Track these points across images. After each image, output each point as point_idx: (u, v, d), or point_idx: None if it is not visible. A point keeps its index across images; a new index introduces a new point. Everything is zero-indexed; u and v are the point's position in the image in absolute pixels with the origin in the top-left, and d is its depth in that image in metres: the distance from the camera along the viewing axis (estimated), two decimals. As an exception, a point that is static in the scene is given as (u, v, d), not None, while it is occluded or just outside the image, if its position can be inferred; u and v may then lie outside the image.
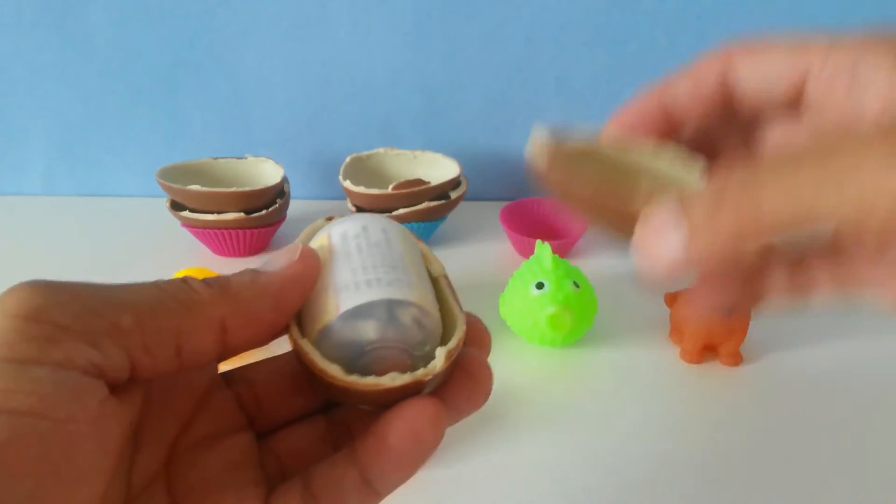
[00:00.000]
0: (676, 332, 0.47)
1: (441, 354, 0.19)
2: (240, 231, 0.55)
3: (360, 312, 0.18)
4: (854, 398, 0.42)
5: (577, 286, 0.44)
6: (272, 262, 0.19)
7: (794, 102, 0.21)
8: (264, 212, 0.55)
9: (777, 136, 0.23)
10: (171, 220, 0.57)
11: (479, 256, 0.58)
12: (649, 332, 0.48)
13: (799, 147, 0.17)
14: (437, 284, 0.21)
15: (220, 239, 0.55)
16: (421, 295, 0.19)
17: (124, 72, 0.63)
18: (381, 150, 0.60)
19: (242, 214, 0.54)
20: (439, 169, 0.59)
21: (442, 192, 0.56)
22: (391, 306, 0.19)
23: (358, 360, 0.19)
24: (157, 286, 0.18)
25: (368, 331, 0.19)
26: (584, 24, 0.61)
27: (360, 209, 0.56)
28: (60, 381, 0.15)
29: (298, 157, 0.66)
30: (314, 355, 0.18)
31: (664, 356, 0.46)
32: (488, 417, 0.40)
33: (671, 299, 0.48)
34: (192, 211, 0.54)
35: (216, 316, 0.18)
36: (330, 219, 0.22)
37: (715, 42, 0.22)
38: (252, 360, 0.23)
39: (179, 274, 0.44)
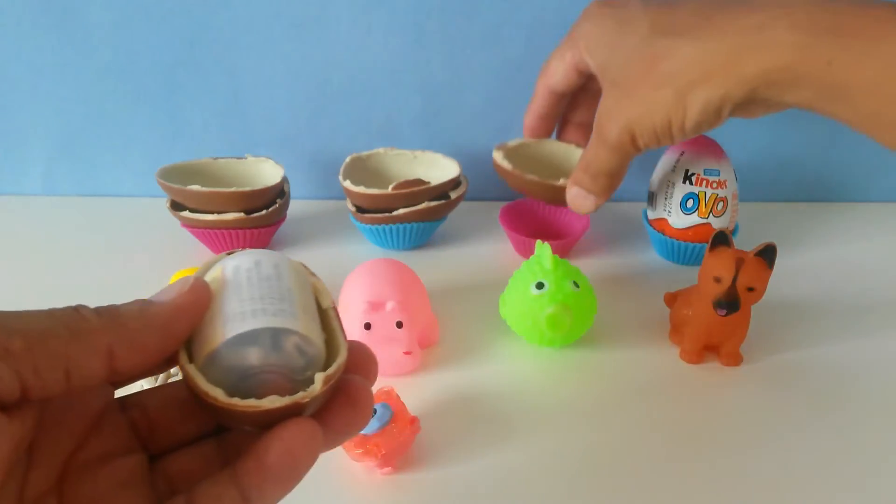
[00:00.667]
0: (676, 333, 0.47)
1: (319, 379, 0.20)
2: (240, 231, 0.55)
3: (244, 339, 0.20)
4: (854, 398, 0.42)
5: (577, 286, 0.44)
6: (164, 292, 0.20)
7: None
8: (264, 212, 0.55)
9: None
10: (171, 221, 0.57)
11: (479, 256, 0.58)
12: (649, 333, 0.48)
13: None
14: (326, 316, 0.23)
15: (220, 239, 0.55)
16: (304, 325, 0.21)
17: (124, 72, 0.63)
18: (381, 150, 0.60)
19: (242, 214, 0.54)
20: (439, 169, 0.59)
21: (442, 192, 0.56)
22: (275, 334, 0.20)
23: (241, 384, 0.20)
24: (49, 313, 0.19)
25: (251, 356, 0.20)
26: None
27: (360, 209, 0.56)
28: None
29: (298, 157, 0.66)
30: (198, 379, 0.20)
31: (664, 356, 0.46)
32: (488, 417, 0.40)
33: (671, 299, 0.48)
34: (192, 211, 0.54)
35: (103, 343, 0.19)
36: (230, 253, 0.23)
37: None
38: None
39: (180, 274, 0.44)
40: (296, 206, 0.62)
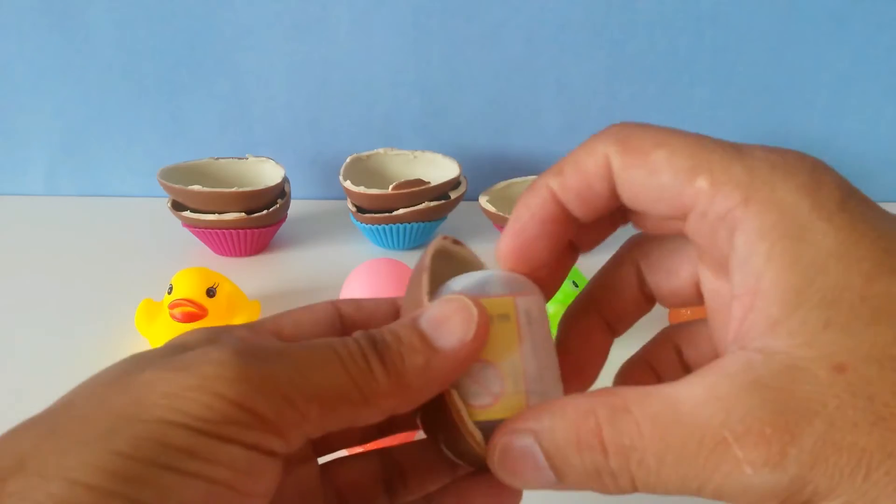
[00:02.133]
0: (675, 332, 0.47)
1: None
2: (241, 231, 0.55)
3: None
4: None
5: (576, 286, 0.44)
6: (443, 329, 0.18)
7: (679, 218, 0.19)
8: (265, 212, 0.55)
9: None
10: (172, 221, 0.57)
11: (479, 256, 0.59)
12: (648, 332, 0.48)
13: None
14: None
15: (221, 239, 0.55)
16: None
17: (126, 72, 0.63)
18: (381, 150, 0.60)
19: (243, 214, 0.54)
20: (439, 169, 0.59)
21: (442, 192, 0.56)
22: None
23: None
24: (345, 368, 0.18)
25: None
26: (584, 25, 0.61)
27: (360, 209, 0.57)
28: (251, 461, 0.16)
29: (299, 158, 0.66)
30: (475, 433, 0.19)
31: (663, 355, 0.46)
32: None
33: (670, 299, 0.48)
34: (193, 211, 0.54)
35: (389, 406, 0.18)
36: (447, 238, 0.22)
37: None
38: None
39: (180, 274, 0.44)
40: (296, 207, 0.62)
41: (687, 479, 0.15)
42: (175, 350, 0.18)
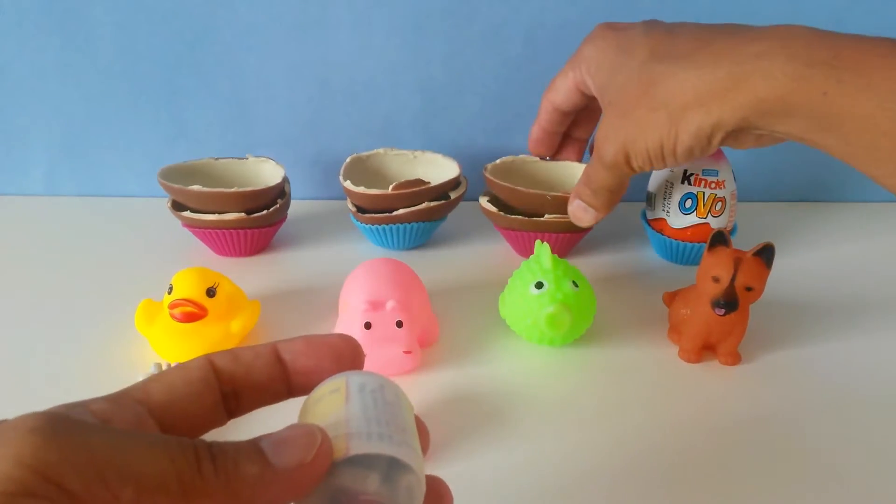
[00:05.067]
0: (675, 332, 0.47)
1: None
2: (241, 231, 0.55)
3: (365, 461, 0.19)
4: (852, 397, 0.43)
5: (577, 286, 0.44)
6: (285, 448, 0.18)
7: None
8: (265, 212, 0.55)
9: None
10: (172, 221, 0.57)
11: (478, 256, 0.59)
12: (648, 332, 0.48)
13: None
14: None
15: (221, 239, 0.56)
16: (419, 465, 0.20)
17: (126, 72, 0.63)
18: (381, 150, 0.60)
19: (243, 215, 0.54)
20: (439, 169, 0.59)
21: (442, 192, 0.56)
22: (393, 465, 0.19)
23: (333, 501, 0.19)
24: (170, 456, 0.17)
25: (367, 481, 0.19)
26: (584, 25, 0.61)
27: (360, 209, 0.57)
28: None
29: (299, 158, 0.66)
30: None
31: (663, 355, 0.46)
32: (487, 416, 0.41)
33: (670, 299, 0.48)
34: (193, 211, 0.55)
35: None
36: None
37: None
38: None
39: (180, 274, 0.44)
40: (296, 207, 0.62)
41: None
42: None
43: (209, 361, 0.22)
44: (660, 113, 0.41)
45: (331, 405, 0.20)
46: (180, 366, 0.22)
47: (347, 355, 0.23)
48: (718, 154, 0.54)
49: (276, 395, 0.23)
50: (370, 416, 0.20)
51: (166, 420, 0.20)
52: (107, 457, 0.16)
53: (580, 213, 0.50)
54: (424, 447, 0.22)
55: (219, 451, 0.18)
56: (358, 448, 0.19)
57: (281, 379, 0.23)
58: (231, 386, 0.22)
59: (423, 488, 0.20)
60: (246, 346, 0.23)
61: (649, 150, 0.42)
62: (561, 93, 0.50)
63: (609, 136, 0.44)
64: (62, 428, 0.16)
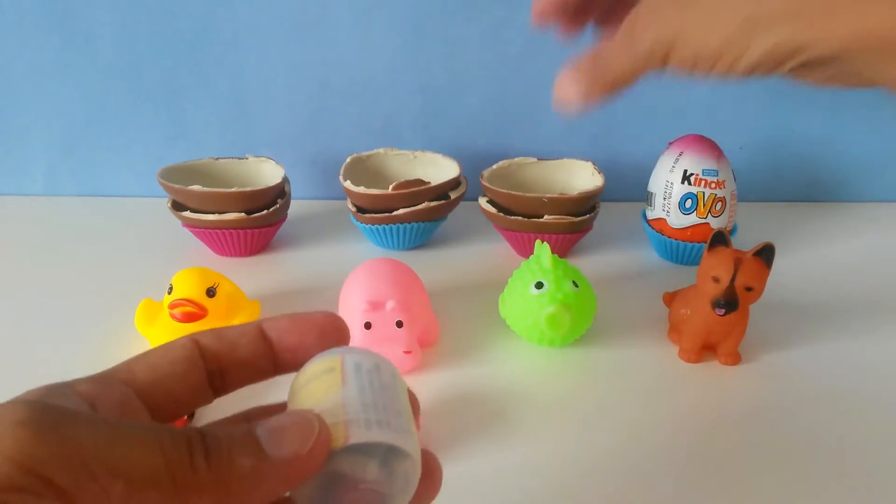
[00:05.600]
0: (675, 332, 0.47)
1: None
2: (241, 231, 0.55)
3: (363, 449, 0.19)
4: (853, 397, 0.43)
5: (577, 286, 0.44)
6: (280, 438, 0.18)
7: None
8: (265, 212, 0.55)
9: None
10: (172, 221, 0.57)
11: (478, 256, 0.59)
12: (648, 332, 0.48)
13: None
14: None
15: (221, 239, 0.56)
16: (416, 450, 0.20)
17: (126, 72, 0.63)
18: (381, 150, 0.60)
19: (243, 214, 0.54)
20: (439, 169, 0.59)
21: (442, 192, 0.56)
22: (391, 452, 0.19)
23: (330, 486, 0.19)
24: (163, 450, 0.17)
25: (366, 469, 0.19)
26: (584, 25, 0.61)
27: (360, 209, 0.57)
28: None
29: (299, 158, 0.66)
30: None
31: (663, 355, 0.46)
32: (488, 416, 0.41)
33: (670, 299, 0.48)
34: (193, 211, 0.55)
35: (205, 503, 0.17)
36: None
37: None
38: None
39: (180, 274, 0.44)
40: (296, 207, 0.62)
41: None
42: None
43: (193, 340, 0.22)
44: (736, 12, 0.30)
45: (326, 386, 0.20)
46: (164, 346, 0.21)
47: (332, 332, 0.23)
48: (718, 154, 0.54)
49: (263, 373, 0.23)
50: (367, 401, 0.19)
51: (152, 400, 0.20)
52: (96, 450, 0.16)
53: (566, 83, 0.37)
54: (417, 423, 0.22)
55: (212, 442, 0.17)
56: (357, 437, 0.18)
57: (266, 356, 0.22)
58: (216, 364, 0.22)
59: (419, 471, 0.20)
60: (231, 325, 0.23)
61: (702, 51, 0.32)
62: None
63: (657, 20, 0.33)
64: (49, 420, 0.15)
